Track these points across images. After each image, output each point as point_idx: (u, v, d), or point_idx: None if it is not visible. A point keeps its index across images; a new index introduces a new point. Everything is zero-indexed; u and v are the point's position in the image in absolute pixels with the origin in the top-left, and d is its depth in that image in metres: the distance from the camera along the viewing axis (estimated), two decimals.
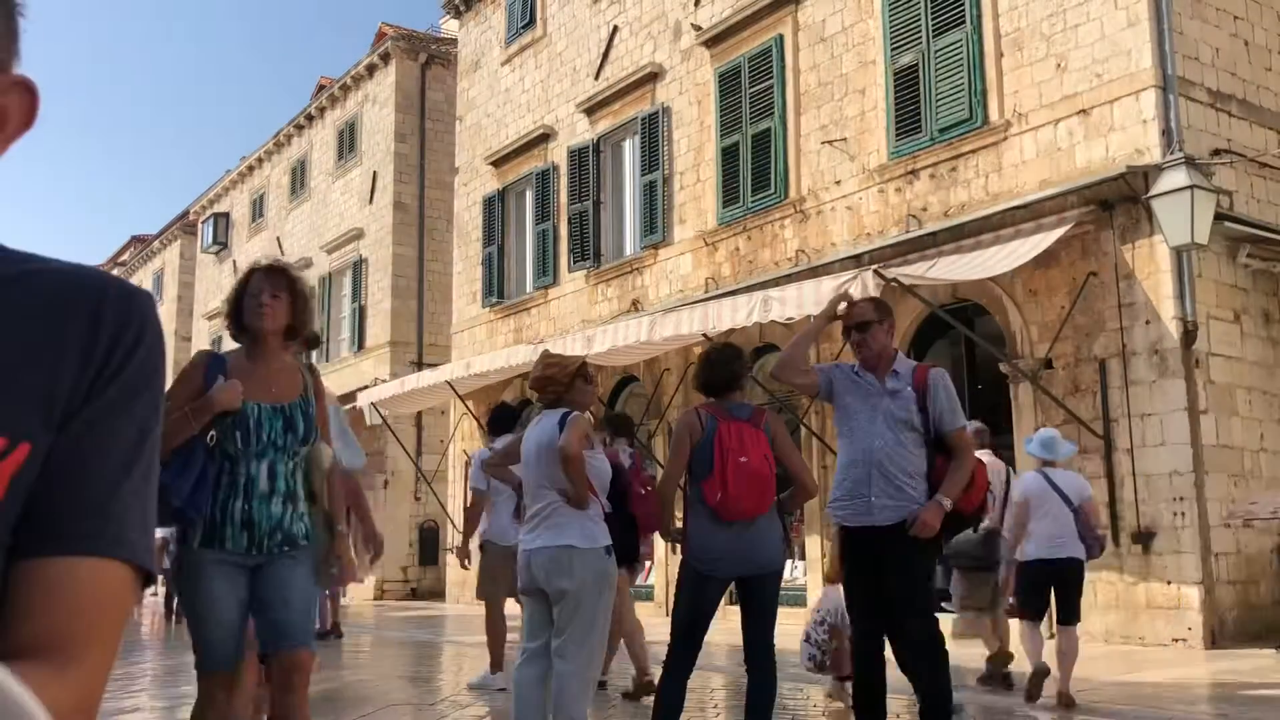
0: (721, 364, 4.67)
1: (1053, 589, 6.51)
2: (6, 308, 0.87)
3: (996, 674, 7.13)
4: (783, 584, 5.00)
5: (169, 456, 3.29)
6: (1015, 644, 7.03)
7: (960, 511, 4.53)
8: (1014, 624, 6.93)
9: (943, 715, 4.44)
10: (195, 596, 3.43)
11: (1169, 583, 9.52)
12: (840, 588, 5.52)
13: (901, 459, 4.45)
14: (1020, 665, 6.89)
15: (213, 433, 3.42)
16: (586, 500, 4.39)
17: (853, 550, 4.60)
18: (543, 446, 4.47)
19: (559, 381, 4.56)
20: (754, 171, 13.86)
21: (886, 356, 4.60)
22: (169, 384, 3.59)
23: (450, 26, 22.70)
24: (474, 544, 7.85)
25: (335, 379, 21.12)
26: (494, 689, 7.42)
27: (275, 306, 3.55)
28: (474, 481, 7.72)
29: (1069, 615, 6.47)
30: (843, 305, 4.76)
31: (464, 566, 7.99)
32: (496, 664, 7.62)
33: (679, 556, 4.81)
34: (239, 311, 3.61)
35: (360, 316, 23.75)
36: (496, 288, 18.66)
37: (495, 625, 7.69)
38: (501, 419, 8.06)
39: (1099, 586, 9.63)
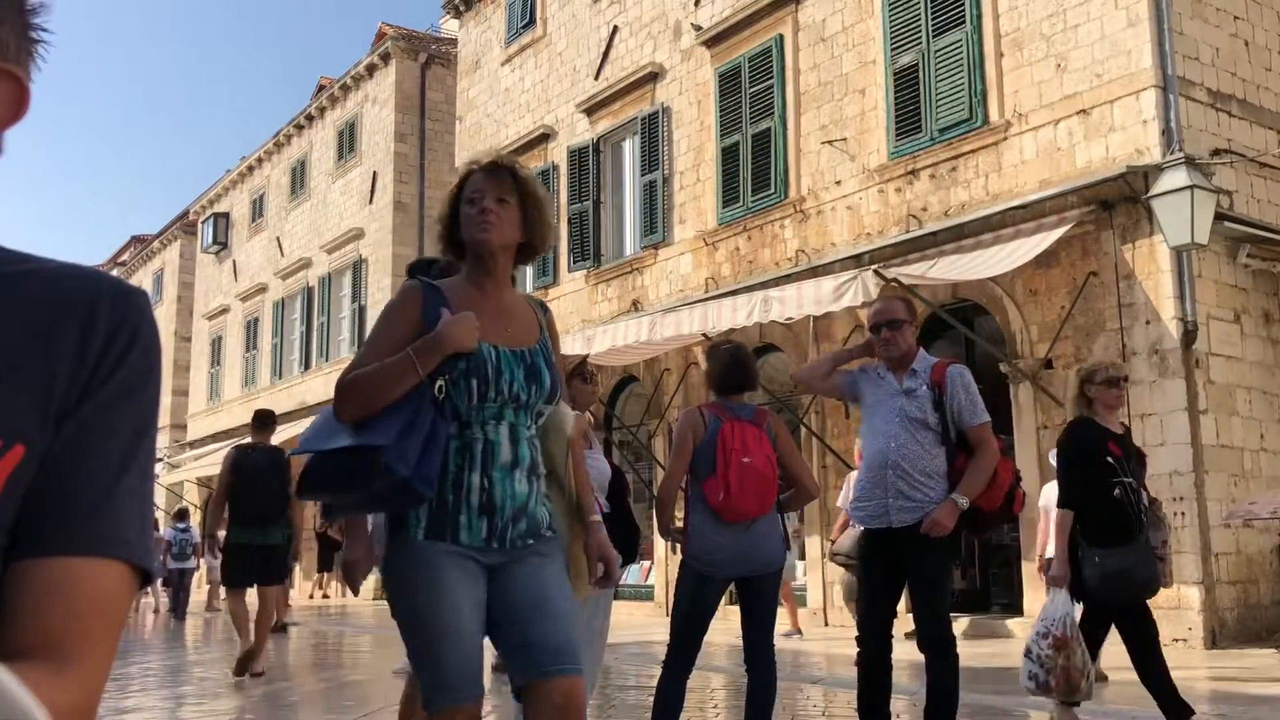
0: (741, 364, 4.65)
1: None
2: (2, 308, 0.86)
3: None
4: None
5: (377, 414, 2.53)
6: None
7: (981, 509, 4.47)
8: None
9: (948, 715, 4.44)
10: (427, 602, 2.51)
11: (1169, 583, 9.51)
12: (1065, 592, 5.29)
13: (918, 459, 4.44)
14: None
15: (441, 381, 2.55)
16: None
17: (869, 550, 4.61)
18: None
19: None
20: (754, 171, 13.85)
21: (911, 356, 4.61)
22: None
23: (450, 26, 22.69)
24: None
25: (335, 379, 21.07)
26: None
27: (503, 214, 2.65)
28: None
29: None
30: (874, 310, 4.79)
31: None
32: None
33: (679, 556, 4.80)
34: (454, 226, 2.72)
35: (360, 317, 23.71)
36: None
37: None
38: None
39: None
